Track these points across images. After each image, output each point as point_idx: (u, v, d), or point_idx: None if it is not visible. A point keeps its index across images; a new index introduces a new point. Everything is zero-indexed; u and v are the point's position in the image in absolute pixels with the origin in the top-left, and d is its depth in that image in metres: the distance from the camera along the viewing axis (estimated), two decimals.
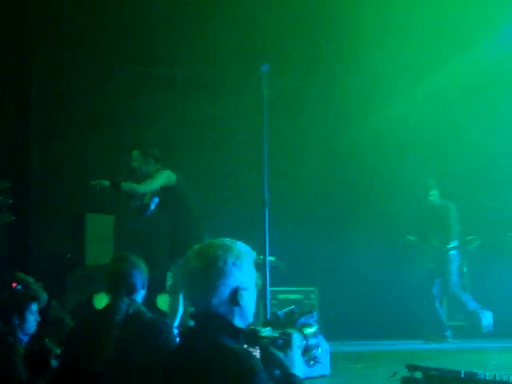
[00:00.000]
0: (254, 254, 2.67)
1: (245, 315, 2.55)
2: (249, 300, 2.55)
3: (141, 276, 3.85)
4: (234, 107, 9.52)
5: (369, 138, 9.73)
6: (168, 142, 9.03)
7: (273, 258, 7.13)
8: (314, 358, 2.83)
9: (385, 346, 8.43)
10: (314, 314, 3.12)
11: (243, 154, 9.16)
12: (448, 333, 8.69)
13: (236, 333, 2.47)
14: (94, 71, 9.49)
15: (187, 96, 9.93)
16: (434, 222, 8.82)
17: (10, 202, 6.87)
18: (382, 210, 9.66)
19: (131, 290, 3.78)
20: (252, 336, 2.53)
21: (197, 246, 2.61)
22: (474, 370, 3.78)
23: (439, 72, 9.54)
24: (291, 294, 8.76)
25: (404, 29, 9.28)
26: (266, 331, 2.56)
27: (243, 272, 2.53)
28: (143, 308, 3.80)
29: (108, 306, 3.81)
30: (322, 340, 4.05)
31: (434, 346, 8.33)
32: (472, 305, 8.68)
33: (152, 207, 6.92)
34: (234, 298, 2.49)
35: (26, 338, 4.20)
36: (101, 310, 4.18)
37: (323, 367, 4.59)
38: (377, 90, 9.74)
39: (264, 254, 5.84)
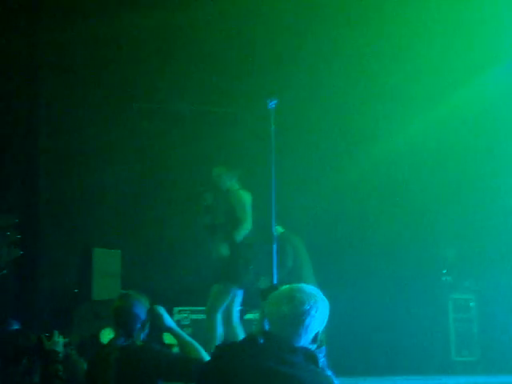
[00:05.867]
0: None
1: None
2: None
3: (141, 313, 3.90)
4: (242, 142, 9.56)
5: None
6: None
7: None
8: None
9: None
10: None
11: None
12: None
13: (317, 362, 2.79)
14: (102, 107, 9.55)
15: (195, 132, 9.96)
16: None
17: (19, 237, 6.87)
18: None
19: (129, 328, 3.86)
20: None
21: (286, 289, 2.88)
22: None
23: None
24: None
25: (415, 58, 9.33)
26: None
27: (324, 316, 2.90)
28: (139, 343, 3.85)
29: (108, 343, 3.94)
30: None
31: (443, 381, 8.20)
32: None
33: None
34: (315, 338, 2.90)
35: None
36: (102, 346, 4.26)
37: None
38: (388, 117, 9.76)
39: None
